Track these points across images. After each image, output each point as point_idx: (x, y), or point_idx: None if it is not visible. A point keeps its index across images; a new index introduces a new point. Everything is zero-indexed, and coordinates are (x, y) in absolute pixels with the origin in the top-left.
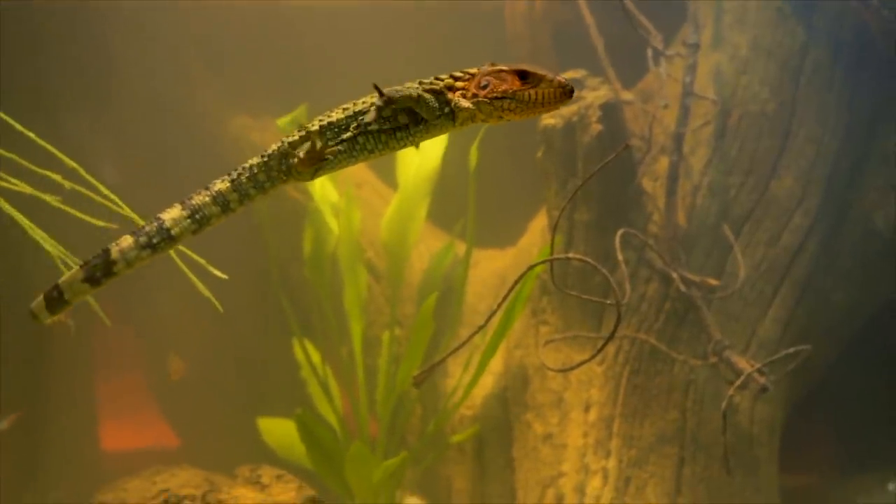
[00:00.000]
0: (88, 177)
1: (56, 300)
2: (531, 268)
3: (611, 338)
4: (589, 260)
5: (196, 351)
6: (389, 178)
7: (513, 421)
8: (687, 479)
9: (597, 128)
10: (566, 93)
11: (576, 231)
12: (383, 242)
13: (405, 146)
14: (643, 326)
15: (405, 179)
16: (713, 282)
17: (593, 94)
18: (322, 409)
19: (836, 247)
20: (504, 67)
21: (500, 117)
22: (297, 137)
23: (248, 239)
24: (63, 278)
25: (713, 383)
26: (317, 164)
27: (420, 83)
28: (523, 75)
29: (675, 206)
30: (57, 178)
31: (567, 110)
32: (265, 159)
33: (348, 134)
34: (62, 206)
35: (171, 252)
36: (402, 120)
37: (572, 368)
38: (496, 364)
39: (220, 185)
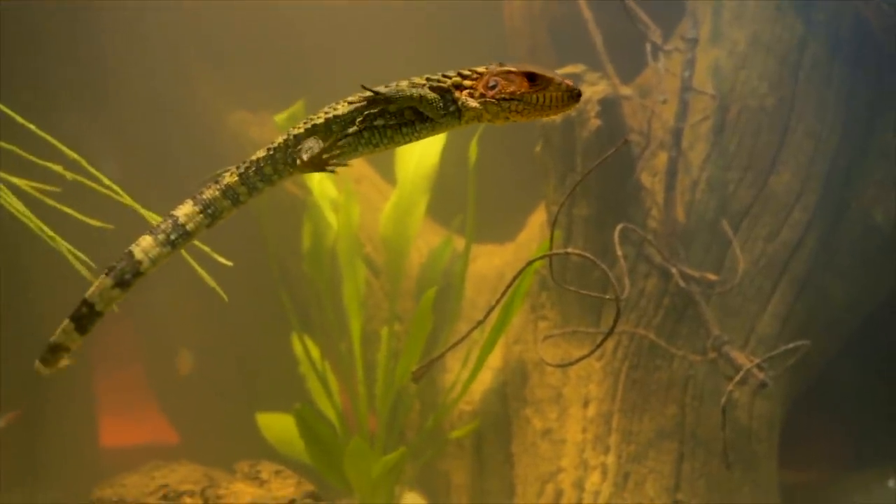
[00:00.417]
0: (92, 169)
1: (87, 316)
2: (530, 263)
3: (610, 333)
4: (588, 255)
5: (195, 346)
6: (388, 173)
7: (512, 416)
8: (686, 475)
9: (595, 123)
10: (573, 97)
11: (574, 226)
12: (382, 237)
13: (410, 142)
14: (642, 322)
15: (404, 175)
16: (712, 277)
17: (592, 90)
18: (321, 405)
19: (835, 242)
20: (513, 69)
21: (507, 118)
22: (302, 130)
23: (245, 234)
24: (89, 292)
25: (712, 379)
26: (319, 169)
27: (427, 79)
28: (532, 77)
29: (674, 201)
30: (58, 168)
31: None
32: (271, 152)
33: (353, 129)
34: (60, 207)
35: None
36: (409, 116)
37: (571, 364)
38: (495, 359)
39: (229, 178)
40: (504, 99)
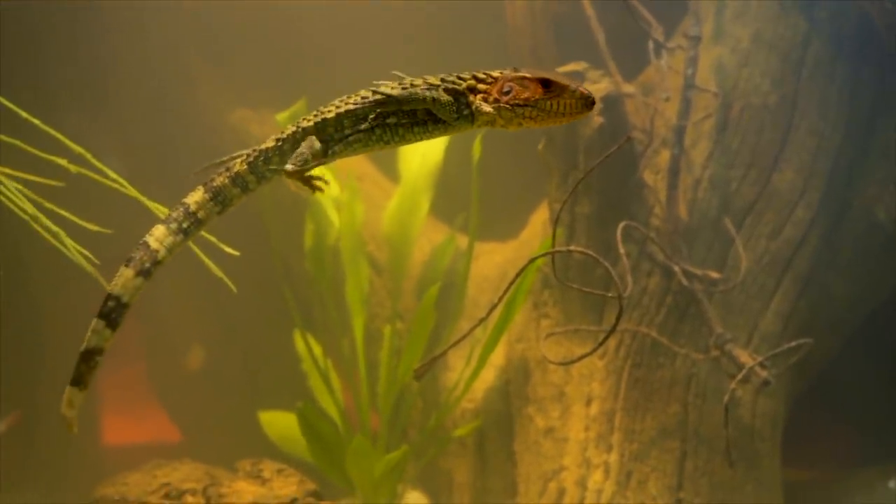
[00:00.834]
0: (97, 163)
1: (115, 309)
2: (532, 261)
3: (612, 331)
4: (590, 253)
5: (197, 344)
6: (389, 170)
7: (514, 414)
8: (689, 473)
9: (598, 120)
10: (588, 104)
11: (577, 224)
12: (385, 236)
13: (421, 140)
14: (645, 320)
15: (408, 173)
16: (715, 275)
17: (594, 87)
18: (323, 403)
19: (838, 240)
20: (527, 74)
21: (520, 124)
22: (311, 123)
23: (247, 232)
24: (112, 286)
25: (715, 377)
26: (304, 182)
27: (442, 80)
28: (547, 84)
29: (677, 199)
30: (62, 162)
31: None
32: (279, 143)
33: (365, 125)
34: (58, 211)
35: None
36: (421, 116)
37: (574, 362)
38: (497, 357)
39: (238, 167)
40: (518, 105)
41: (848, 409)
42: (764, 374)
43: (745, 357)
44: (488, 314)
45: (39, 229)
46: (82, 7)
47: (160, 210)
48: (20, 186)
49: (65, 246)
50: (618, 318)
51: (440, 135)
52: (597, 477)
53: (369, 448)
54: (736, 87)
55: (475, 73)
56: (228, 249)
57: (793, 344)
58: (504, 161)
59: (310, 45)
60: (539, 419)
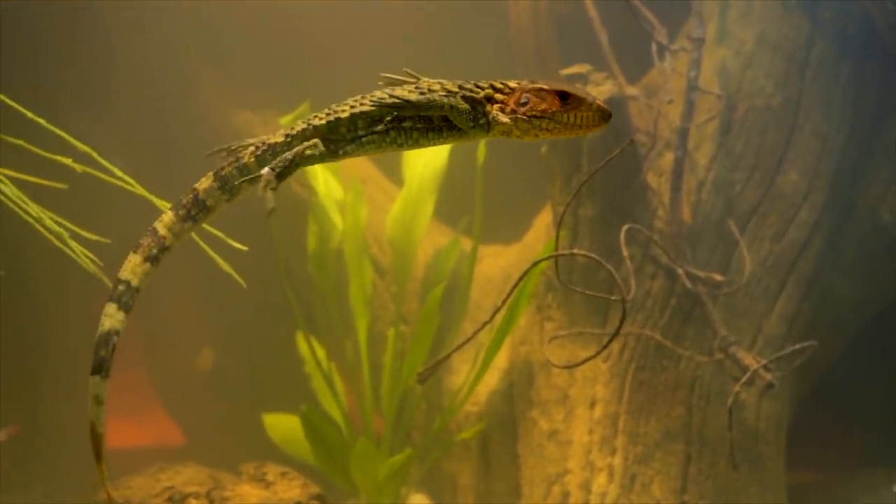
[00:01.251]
0: (104, 161)
1: (126, 292)
2: (535, 264)
3: (616, 334)
4: (594, 256)
5: (199, 347)
6: (393, 173)
7: (518, 417)
8: (693, 476)
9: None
10: (604, 117)
11: (580, 227)
12: (389, 239)
13: (434, 145)
14: (648, 323)
15: (412, 176)
16: (718, 278)
17: (597, 90)
18: (327, 406)
19: (842, 242)
20: (545, 86)
21: (536, 136)
22: (324, 122)
23: (250, 234)
24: (122, 272)
25: (719, 380)
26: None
27: (460, 87)
28: (564, 96)
29: (680, 201)
30: (67, 161)
31: None
32: (288, 139)
33: (381, 127)
34: (57, 218)
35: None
36: (437, 122)
37: (577, 365)
38: (501, 360)
39: (247, 159)
40: (535, 116)
41: (852, 412)
42: (768, 376)
43: (749, 360)
44: (492, 317)
45: (44, 231)
46: (82, 7)
47: (166, 208)
48: (20, 193)
49: (69, 248)
50: (621, 321)
51: (454, 141)
52: (601, 480)
53: (373, 451)
54: (739, 88)
55: (492, 82)
56: (236, 244)
57: (797, 346)
58: (507, 164)
59: (310, 46)
60: (543, 422)
